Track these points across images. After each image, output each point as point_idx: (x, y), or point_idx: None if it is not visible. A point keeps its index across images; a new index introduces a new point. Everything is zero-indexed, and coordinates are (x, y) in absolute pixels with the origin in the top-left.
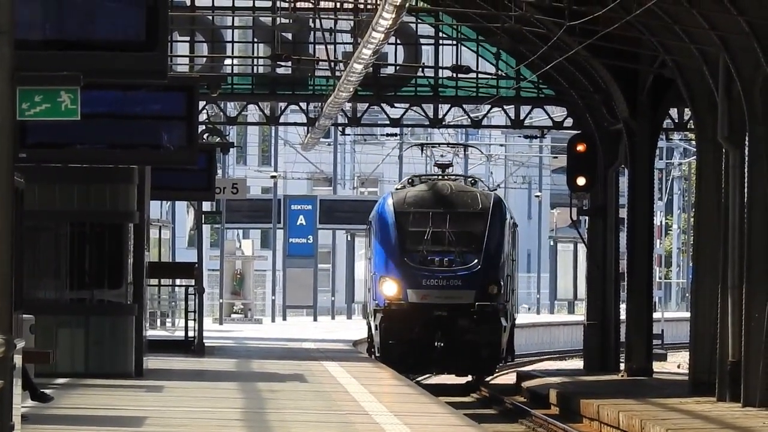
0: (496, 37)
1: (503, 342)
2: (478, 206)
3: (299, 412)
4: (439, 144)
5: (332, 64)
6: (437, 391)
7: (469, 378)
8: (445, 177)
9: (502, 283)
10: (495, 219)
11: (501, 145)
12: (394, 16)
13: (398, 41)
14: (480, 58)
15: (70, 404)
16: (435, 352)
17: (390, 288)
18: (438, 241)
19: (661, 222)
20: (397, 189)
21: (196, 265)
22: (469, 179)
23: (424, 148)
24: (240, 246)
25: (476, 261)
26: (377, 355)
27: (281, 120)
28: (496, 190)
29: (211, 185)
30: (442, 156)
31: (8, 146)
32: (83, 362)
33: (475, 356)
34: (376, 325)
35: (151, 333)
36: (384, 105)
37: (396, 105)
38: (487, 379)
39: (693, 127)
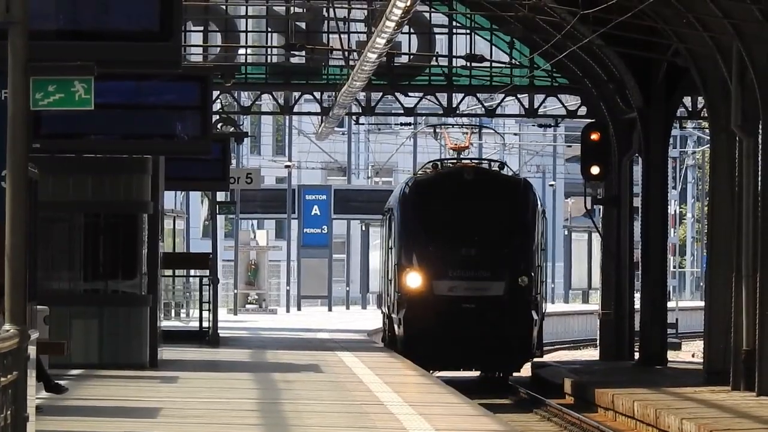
0: (509, 25)
1: (534, 336)
2: (506, 192)
3: (314, 403)
4: (453, 125)
5: (346, 53)
6: (453, 383)
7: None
8: (471, 162)
9: (532, 274)
10: (524, 206)
11: (515, 134)
12: (407, 5)
13: (412, 30)
14: (494, 47)
15: (84, 395)
16: (462, 346)
17: (414, 279)
18: (465, 229)
19: (675, 211)
20: (418, 175)
21: (211, 255)
22: (496, 163)
23: (438, 134)
24: (254, 236)
25: (505, 250)
26: (401, 349)
27: (295, 109)
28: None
29: (225, 175)
30: (457, 140)
31: (22, 136)
32: (97, 353)
33: (505, 351)
34: (399, 319)
35: (165, 324)
36: (398, 94)
37: (410, 94)
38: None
39: (706, 115)
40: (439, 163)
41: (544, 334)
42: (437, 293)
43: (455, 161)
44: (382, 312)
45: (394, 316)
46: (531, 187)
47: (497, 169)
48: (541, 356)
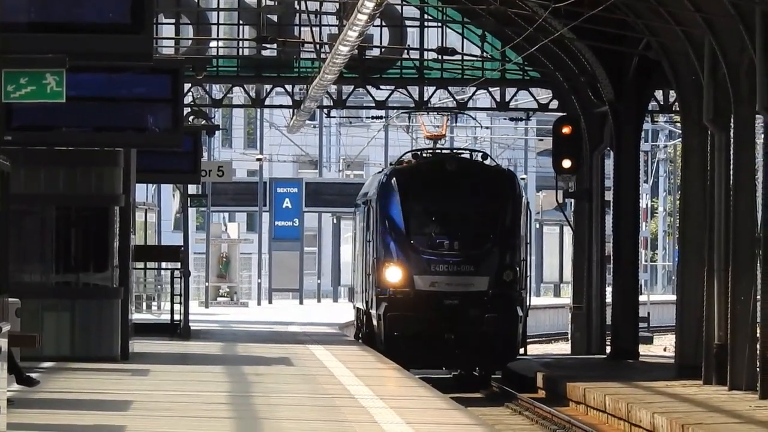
0: (481, 19)
1: (519, 333)
2: (490, 184)
3: (285, 396)
4: (428, 112)
5: (317, 46)
6: (429, 378)
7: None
8: (452, 152)
9: (517, 269)
10: (509, 198)
11: (486, 128)
12: None
13: (383, 23)
14: (465, 40)
15: (56, 388)
16: (445, 345)
17: (395, 274)
18: (447, 222)
19: (646, 204)
20: (399, 165)
21: (182, 248)
22: (479, 154)
23: (410, 127)
24: (226, 229)
25: (489, 244)
26: (380, 347)
27: (267, 102)
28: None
29: (196, 168)
30: (436, 127)
31: None
32: (69, 346)
33: (489, 349)
34: (379, 315)
35: (136, 316)
36: (369, 87)
37: (381, 87)
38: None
39: (678, 109)
40: (419, 153)
41: None
42: (419, 288)
43: (432, 151)
44: (355, 307)
45: (372, 312)
46: (516, 178)
47: (480, 159)
48: (525, 354)
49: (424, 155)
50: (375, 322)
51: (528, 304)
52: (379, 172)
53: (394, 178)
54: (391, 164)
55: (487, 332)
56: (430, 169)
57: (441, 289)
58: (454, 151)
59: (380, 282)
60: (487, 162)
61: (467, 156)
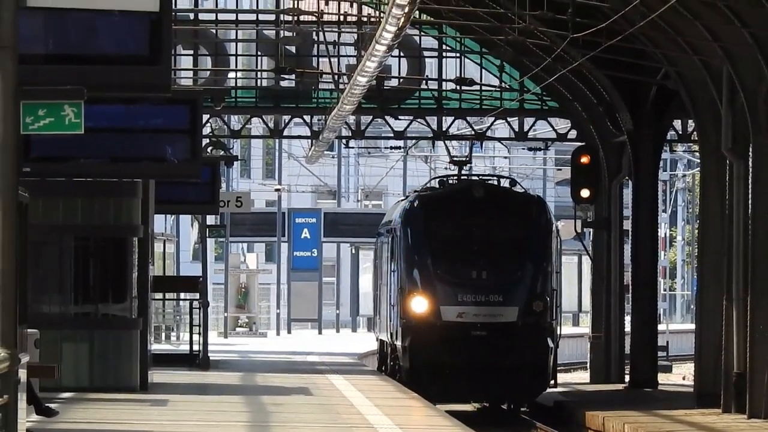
0: (499, 49)
1: (549, 365)
2: (518, 210)
3: (304, 426)
4: (448, 139)
5: (336, 77)
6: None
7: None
8: (478, 178)
9: (547, 298)
10: (538, 225)
11: (505, 158)
12: (397, 28)
13: (402, 54)
14: (483, 70)
15: (74, 418)
16: (472, 377)
17: (420, 304)
18: (475, 251)
19: (665, 234)
20: (423, 192)
21: (201, 278)
22: (507, 180)
23: (429, 158)
24: (244, 259)
25: (519, 273)
26: (405, 380)
27: (285, 133)
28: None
29: (215, 199)
30: (455, 157)
31: (12, 161)
32: (88, 376)
33: (519, 382)
34: (404, 347)
35: (155, 347)
36: (388, 117)
37: (400, 117)
38: None
39: (696, 138)
40: (444, 179)
41: None
42: (445, 319)
43: (458, 177)
44: (378, 339)
45: (397, 344)
46: (545, 204)
47: (508, 186)
48: (555, 386)
49: (450, 181)
50: (399, 354)
51: (559, 334)
52: (403, 200)
53: (419, 205)
54: (415, 191)
55: (515, 364)
56: (456, 196)
57: (468, 320)
58: (481, 177)
59: (405, 313)
60: (516, 188)
61: (494, 182)
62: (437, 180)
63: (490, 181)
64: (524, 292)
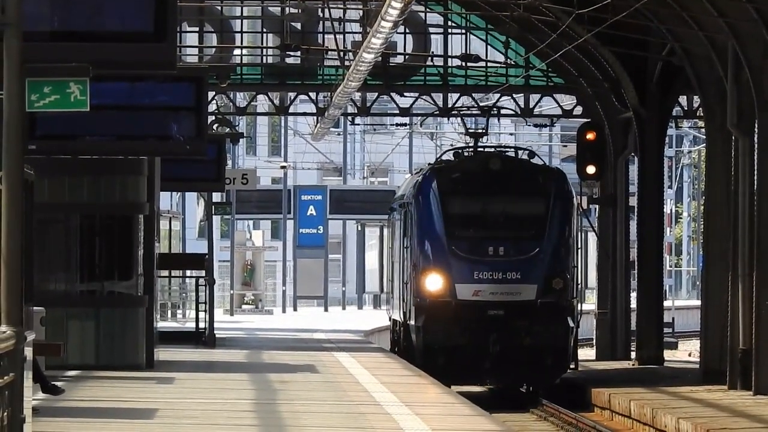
0: (505, 25)
1: (570, 346)
2: (538, 184)
3: (310, 403)
4: (469, 108)
5: (341, 53)
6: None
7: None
8: (494, 150)
9: (568, 276)
10: (558, 199)
11: (510, 134)
12: (403, 4)
13: (407, 30)
14: (489, 46)
15: (81, 396)
16: (489, 359)
17: (435, 282)
18: (492, 225)
19: (671, 210)
20: (438, 165)
21: (207, 256)
22: (525, 152)
23: (434, 134)
24: (250, 237)
25: (537, 249)
26: (418, 361)
27: (291, 110)
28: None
29: (220, 176)
30: (471, 128)
31: (18, 138)
32: (94, 354)
33: (538, 364)
34: (417, 327)
35: (161, 324)
36: (393, 94)
37: (405, 94)
38: None
39: (702, 114)
40: (460, 151)
41: None
42: (460, 298)
43: (474, 149)
44: (391, 319)
45: (410, 323)
46: (565, 177)
47: (526, 158)
48: (576, 368)
49: (466, 154)
50: (413, 335)
51: (579, 313)
52: (417, 173)
53: (434, 179)
54: (429, 164)
55: (534, 345)
56: (472, 168)
57: (485, 299)
58: (498, 148)
59: (419, 291)
60: (535, 160)
61: (512, 154)
62: (452, 152)
63: (507, 153)
64: (543, 269)
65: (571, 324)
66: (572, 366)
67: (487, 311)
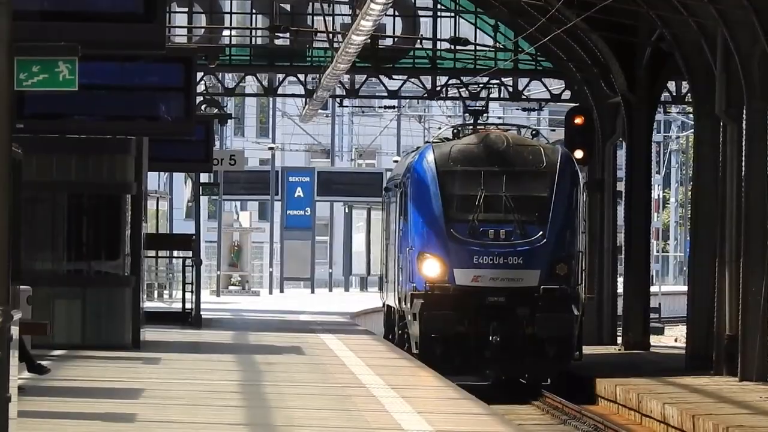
0: (494, 9)
1: (575, 336)
2: (542, 163)
3: (296, 385)
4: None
5: (330, 35)
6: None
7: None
8: (496, 128)
9: (573, 261)
10: (564, 180)
11: (499, 118)
12: None
13: (396, 13)
14: (478, 30)
15: (67, 376)
16: (489, 348)
17: (432, 267)
18: (492, 208)
19: (658, 195)
20: (437, 142)
21: (194, 236)
22: (529, 130)
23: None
24: (238, 218)
25: (541, 233)
26: (415, 351)
27: (279, 91)
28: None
29: (208, 157)
30: (470, 105)
31: (6, 117)
32: (80, 334)
33: (540, 354)
34: (413, 314)
35: (148, 305)
36: (382, 77)
37: (394, 77)
38: None
39: (691, 100)
40: (459, 128)
41: None
42: (459, 284)
43: (474, 126)
44: (385, 305)
45: (406, 309)
46: (571, 157)
47: (531, 135)
48: (580, 358)
49: (468, 131)
50: (408, 322)
51: (584, 301)
52: (414, 150)
53: (431, 156)
54: (426, 141)
55: (536, 334)
56: (472, 146)
57: (485, 285)
58: (499, 126)
59: (415, 277)
60: (539, 138)
61: (515, 132)
62: (451, 129)
63: (509, 131)
64: (547, 254)
65: (576, 312)
66: (576, 356)
67: (487, 298)
